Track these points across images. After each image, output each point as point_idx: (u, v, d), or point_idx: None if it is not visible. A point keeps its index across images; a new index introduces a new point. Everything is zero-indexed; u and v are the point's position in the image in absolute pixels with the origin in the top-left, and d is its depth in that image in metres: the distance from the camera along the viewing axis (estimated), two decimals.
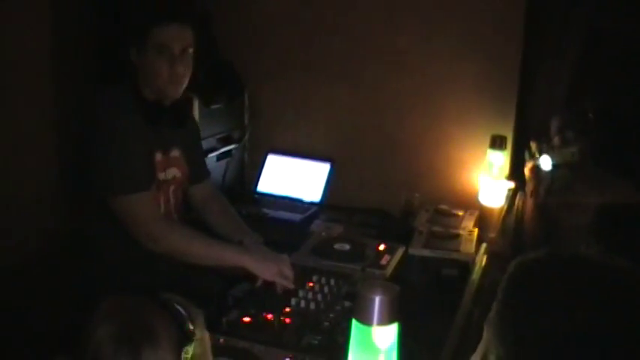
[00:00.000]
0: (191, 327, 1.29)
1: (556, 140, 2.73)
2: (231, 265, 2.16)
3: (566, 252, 1.09)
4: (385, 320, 1.30)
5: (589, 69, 2.98)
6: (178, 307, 1.31)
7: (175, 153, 2.29)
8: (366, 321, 1.30)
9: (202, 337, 1.34)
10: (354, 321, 1.32)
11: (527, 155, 2.76)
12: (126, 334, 1.24)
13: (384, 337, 1.31)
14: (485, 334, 1.10)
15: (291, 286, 2.15)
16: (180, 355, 1.25)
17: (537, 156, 2.65)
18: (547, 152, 2.63)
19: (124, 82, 2.21)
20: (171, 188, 2.28)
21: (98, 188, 2.13)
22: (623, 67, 2.96)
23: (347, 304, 2.12)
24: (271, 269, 2.14)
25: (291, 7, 3.32)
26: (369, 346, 1.31)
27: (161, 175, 2.24)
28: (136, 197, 2.10)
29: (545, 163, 2.63)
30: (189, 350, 1.26)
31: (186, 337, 1.28)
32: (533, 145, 2.70)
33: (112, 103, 2.16)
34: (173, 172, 2.29)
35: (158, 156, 2.22)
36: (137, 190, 2.10)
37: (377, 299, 1.30)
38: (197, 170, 2.46)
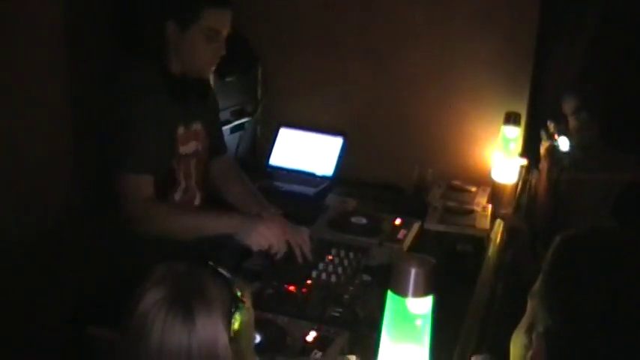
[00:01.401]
0: (240, 294, 1.29)
1: (571, 121, 2.74)
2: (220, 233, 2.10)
3: (608, 227, 1.11)
4: (421, 292, 1.31)
5: (603, 48, 2.98)
6: (227, 275, 1.31)
7: (197, 126, 2.27)
8: (402, 292, 1.31)
9: (250, 307, 1.34)
10: (389, 292, 1.34)
11: (544, 135, 2.77)
12: (180, 295, 1.22)
13: (420, 308, 1.32)
14: (530, 306, 1.11)
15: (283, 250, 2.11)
16: (230, 321, 1.25)
17: (556, 137, 2.66)
18: (564, 134, 2.65)
19: (148, 55, 2.18)
20: (193, 162, 2.26)
21: (107, 163, 2.12)
22: (638, 47, 2.96)
23: (365, 277, 2.14)
24: (263, 238, 2.07)
25: None
26: (405, 318, 1.32)
27: (184, 149, 2.22)
28: (133, 177, 2.05)
29: (564, 144, 2.64)
30: (238, 317, 1.26)
31: (237, 303, 1.27)
32: (551, 126, 2.71)
33: (137, 80, 2.12)
34: (194, 146, 2.27)
35: (180, 130, 2.20)
36: (137, 171, 2.05)
37: (413, 271, 1.31)
38: (215, 144, 2.45)
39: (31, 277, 2.52)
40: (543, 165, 2.79)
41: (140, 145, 2.06)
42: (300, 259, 2.16)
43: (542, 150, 2.77)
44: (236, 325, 1.26)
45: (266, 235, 2.07)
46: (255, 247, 2.08)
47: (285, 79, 3.39)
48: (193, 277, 1.26)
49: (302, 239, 2.20)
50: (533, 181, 2.91)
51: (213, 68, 2.22)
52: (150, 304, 1.22)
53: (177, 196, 2.22)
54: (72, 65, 2.73)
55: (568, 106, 2.82)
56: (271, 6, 3.34)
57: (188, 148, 2.24)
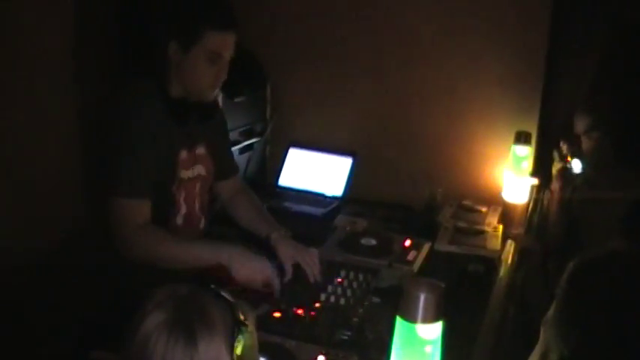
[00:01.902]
0: (243, 317, 1.27)
1: (584, 140, 2.71)
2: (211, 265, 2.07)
3: (624, 251, 1.09)
4: (430, 318, 1.29)
5: (615, 66, 2.97)
6: (229, 298, 1.29)
7: (201, 150, 2.25)
8: (411, 318, 1.29)
9: (253, 330, 1.32)
10: (398, 318, 1.31)
11: (556, 156, 2.74)
12: (181, 319, 1.20)
13: (429, 334, 1.29)
14: (543, 335, 1.10)
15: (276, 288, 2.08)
16: (232, 345, 1.23)
17: (569, 159, 2.64)
18: (577, 154, 2.62)
19: (150, 76, 2.16)
20: (197, 186, 2.25)
21: (103, 185, 2.10)
22: None
23: (375, 299, 2.12)
24: (252, 273, 2.06)
25: (315, 0, 3.30)
26: (414, 344, 1.30)
27: (186, 174, 2.20)
28: (126, 202, 2.03)
29: (576, 165, 2.62)
30: (241, 341, 1.24)
31: (240, 327, 1.26)
32: (563, 147, 2.69)
33: (136, 103, 2.10)
34: (198, 170, 2.25)
35: (183, 154, 2.17)
36: (129, 195, 2.03)
37: (422, 297, 1.28)
38: (225, 165, 2.43)
39: (35, 301, 2.51)
40: (555, 186, 2.76)
41: (134, 170, 2.03)
42: (311, 279, 2.15)
43: (555, 171, 2.74)
44: (239, 350, 1.24)
45: (254, 271, 2.06)
46: (242, 282, 2.05)
47: (294, 99, 3.38)
48: (195, 300, 1.24)
49: (312, 260, 2.20)
50: (545, 202, 2.88)
51: (216, 92, 2.19)
52: (151, 328, 1.20)
53: (179, 220, 2.20)
54: (81, 87, 2.73)
55: (580, 125, 2.79)
56: (280, 25, 3.34)
57: (192, 172, 2.23)
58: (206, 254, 2.07)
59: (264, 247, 2.52)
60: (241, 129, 3.14)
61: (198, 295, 1.26)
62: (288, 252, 2.21)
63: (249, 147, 3.21)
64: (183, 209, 2.21)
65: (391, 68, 3.25)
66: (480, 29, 3.09)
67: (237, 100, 3.05)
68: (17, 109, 2.49)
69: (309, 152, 3.27)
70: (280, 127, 3.38)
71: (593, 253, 1.10)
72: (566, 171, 2.69)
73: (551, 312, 1.08)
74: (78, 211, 2.75)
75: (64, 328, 2.29)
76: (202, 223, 2.28)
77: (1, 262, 2.44)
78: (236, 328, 1.25)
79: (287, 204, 3.03)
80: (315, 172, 3.22)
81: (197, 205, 2.25)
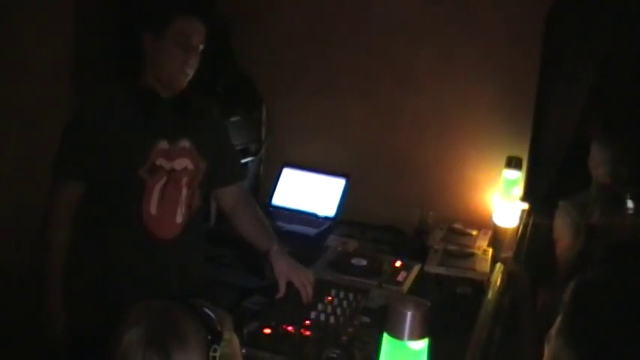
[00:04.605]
0: (219, 328, 1.31)
1: (602, 171, 2.66)
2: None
3: (626, 268, 1.13)
4: (416, 335, 1.32)
5: (604, 93, 3.01)
6: (206, 310, 1.33)
7: (185, 143, 2.28)
8: (398, 335, 1.32)
9: (230, 338, 1.36)
10: (385, 335, 1.34)
11: (567, 215, 2.67)
12: (155, 337, 1.25)
13: (415, 351, 1.32)
14: (548, 349, 1.13)
15: None
16: (208, 356, 1.27)
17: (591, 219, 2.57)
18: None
19: (125, 72, 2.32)
20: (184, 179, 2.27)
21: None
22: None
23: (364, 319, 2.14)
24: None
25: (310, 23, 3.37)
26: None
27: (168, 164, 2.23)
28: (60, 182, 2.19)
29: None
30: (218, 350, 1.27)
31: (215, 338, 1.29)
32: (576, 216, 2.63)
33: (103, 93, 2.27)
34: (184, 163, 2.28)
35: (163, 144, 2.22)
36: (60, 174, 2.19)
37: (409, 314, 1.32)
38: (225, 171, 2.44)
39: (15, 318, 2.54)
40: (563, 238, 2.71)
41: (69, 154, 2.18)
42: (304, 299, 2.19)
43: (566, 227, 2.68)
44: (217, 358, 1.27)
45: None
46: None
47: (288, 120, 3.43)
48: (169, 316, 1.29)
49: (306, 280, 2.24)
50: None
51: (186, 80, 2.25)
52: (127, 346, 1.25)
53: (153, 209, 2.22)
54: (77, 85, 2.78)
55: (599, 155, 2.74)
56: (276, 48, 3.39)
57: (176, 164, 2.26)
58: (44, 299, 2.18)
59: (256, 264, 2.57)
60: (236, 148, 3.17)
61: (172, 310, 1.30)
62: (284, 270, 2.26)
63: (244, 166, 3.24)
64: (156, 197, 2.22)
65: (384, 92, 3.30)
66: (471, 56, 3.15)
67: (232, 119, 3.09)
68: (17, 121, 2.54)
69: (303, 172, 3.30)
70: (275, 148, 3.42)
71: (593, 271, 1.14)
72: (583, 230, 2.63)
73: (556, 328, 1.12)
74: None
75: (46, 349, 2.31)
76: (181, 218, 2.28)
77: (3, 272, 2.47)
78: (212, 339, 1.28)
79: (280, 223, 3.05)
80: (308, 192, 3.25)
81: (181, 198, 2.27)
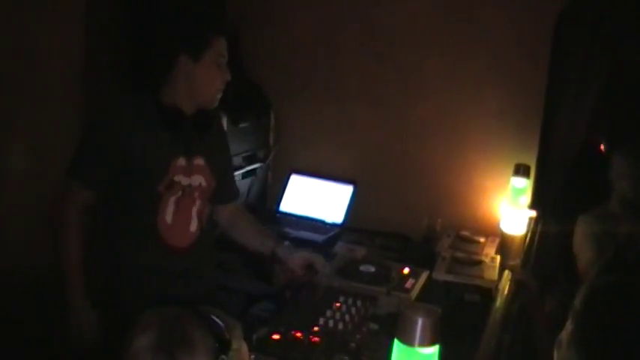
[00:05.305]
0: (228, 337, 1.32)
1: (625, 186, 2.63)
2: None
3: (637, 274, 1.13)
4: (427, 341, 1.32)
5: (613, 100, 3.00)
6: (215, 318, 1.34)
7: (199, 161, 2.30)
8: (409, 341, 1.32)
9: (239, 347, 1.36)
10: (396, 341, 1.34)
11: (589, 229, 2.64)
12: (163, 343, 1.26)
13: (426, 357, 1.32)
14: (558, 356, 1.13)
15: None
16: None
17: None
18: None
19: (147, 88, 2.27)
20: (196, 194, 2.30)
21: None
22: None
23: (373, 325, 2.14)
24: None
25: (317, 30, 3.38)
26: None
27: (185, 180, 2.25)
28: (72, 182, 2.18)
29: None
30: (226, 359, 1.28)
31: (223, 347, 1.30)
32: (598, 230, 2.61)
33: (125, 108, 2.23)
34: (199, 180, 2.30)
35: (181, 161, 2.24)
36: (76, 178, 2.18)
37: (420, 320, 1.32)
38: (226, 189, 2.47)
39: (27, 326, 2.55)
40: (585, 252, 2.67)
41: (89, 161, 2.17)
42: (323, 280, 2.34)
43: (588, 241, 2.64)
44: None
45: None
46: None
47: (297, 126, 3.44)
48: (178, 324, 1.30)
49: (322, 262, 2.38)
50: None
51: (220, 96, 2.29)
52: (136, 352, 1.26)
53: (169, 219, 2.24)
54: (93, 107, 2.79)
55: (622, 168, 2.67)
56: (284, 55, 3.40)
57: (193, 180, 2.28)
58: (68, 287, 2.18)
59: (264, 270, 2.58)
60: (244, 154, 3.19)
61: (182, 319, 1.31)
62: (298, 260, 2.36)
63: (252, 172, 3.26)
64: (172, 208, 2.24)
65: (392, 99, 3.31)
66: (480, 62, 3.15)
67: (241, 126, 3.10)
68: (28, 122, 2.56)
69: (311, 179, 3.31)
70: (283, 154, 3.43)
71: (604, 277, 1.14)
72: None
73: (566, 334, 1.12)
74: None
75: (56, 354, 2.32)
76: (195, 227, 2.30)
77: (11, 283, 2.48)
78: (220, 348, 1.29)
79: (287, 229, 3.07)
80: (316, 198, 3.25)
81: (194, 210, 2.29)
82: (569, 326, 1.18)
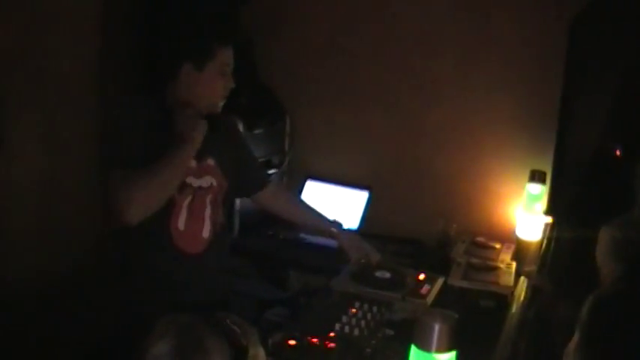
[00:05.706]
0: (244, 343, 1.32)
1: None
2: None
3: None
4: (444, 347, 1.32)
5: (631, 105, 2.98)
6: (231, 324, 1.34)
7: (210, 162, 2.33)
8: (426, 347, 1.32)
9: (256, 353, 1.36)
10: (413, 347, 1.35)
11: (612, 241, 2.60)
12: (180, 351, 1.27)
13: None
14: None
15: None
16: None
17: None
18: None
19: (152, 92, 2.31)
20: (209, 197, 2.31)
21: (103, 164, 2.24)
22: None
23: (388, 331, 2.14)
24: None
25: (331, 36, 3.39)
26: None
27: (196, 182, 2.28)
28: (122, 171, 2.12)
29: None
30: None
31: (240, 354, 1.30)
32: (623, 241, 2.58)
33: (136, 110, 2.25)
34: (210, 180, 2.33)
35: (192, 163, 2.26)
36: (126, 165, 2.13)
37: (437, 326, 1.32)
38: (253, 181, 2.57)
39: (42, 330, 2.56)
40: (609, 265, 2.62)
41: (129, 148, 2.16)
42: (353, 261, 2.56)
43: (611, 253, 2.60)
44: None
45: None
46: None
47: (312, 132, 3.45)
48: (194, 331, 1.30)
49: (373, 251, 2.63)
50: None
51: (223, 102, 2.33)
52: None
53: (181, 225, 2.25)
54: (104, 112, 2.81)
55: None
56: (299, 60, 3.42)
57: (203, 181, 2.30)
58: (176, 155, 2.16)
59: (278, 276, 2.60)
60: (260, 160, 3.18)
61: (198, 326, 1.32)
62: (353, 245, 2.63)
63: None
64: (184, 213, 2.25)
65: (406, 104, 3.31)
66: (495, 68, 3.15)
67: (256, 132, 3.11)
68: (42, 128, 2.58)
69: (326, 185, 3.32)
70: (298, 160, 3.44)
71: (611, 287, 1.14)
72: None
73: (573, 344, 1.12)
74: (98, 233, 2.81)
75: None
76: (208, 232, 2.31)
77: (25, 286, 2.49)
78: (236, 355, 1.29)
79: (302, 235, 3.07)
80: (332, 204, 3.25)
81: (206, 214, 2.30)
82: (575, 335, 1.18)
